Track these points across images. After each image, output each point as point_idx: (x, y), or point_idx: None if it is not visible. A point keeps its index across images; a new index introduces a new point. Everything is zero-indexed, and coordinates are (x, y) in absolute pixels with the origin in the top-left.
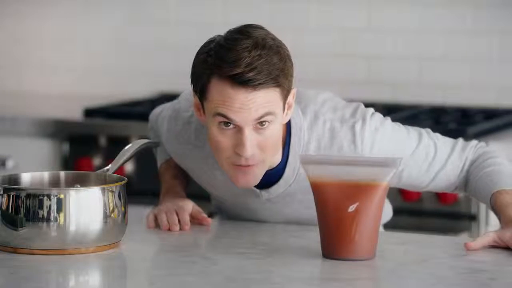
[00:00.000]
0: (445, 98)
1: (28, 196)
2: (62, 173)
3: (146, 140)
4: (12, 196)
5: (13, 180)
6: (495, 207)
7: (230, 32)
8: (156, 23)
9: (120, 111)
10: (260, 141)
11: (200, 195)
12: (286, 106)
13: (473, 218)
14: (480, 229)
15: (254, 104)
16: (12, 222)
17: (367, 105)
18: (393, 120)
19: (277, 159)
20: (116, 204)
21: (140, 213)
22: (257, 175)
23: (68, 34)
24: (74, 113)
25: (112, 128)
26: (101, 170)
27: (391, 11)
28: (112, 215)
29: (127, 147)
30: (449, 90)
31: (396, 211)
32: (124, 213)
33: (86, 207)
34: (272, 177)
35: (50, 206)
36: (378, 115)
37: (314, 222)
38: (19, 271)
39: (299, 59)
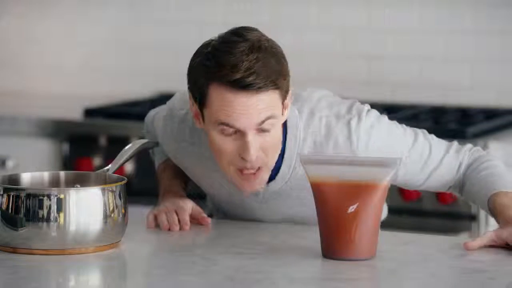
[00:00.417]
0: (445, 98)
1: (28, 196)
2: (62, 173)
3: (146, 140)
4: (12, 196)
5: (13, 180)
6: (493, 209)
7: (224, 36)
8: (156, 23)
9: (120, 111)
10: (263, 144)
11: (199, 195)
12: (284, 106)
13: (473, 218)
14: (480, 229)
15: (255, 109)
16: (12, 222)
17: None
18: (393, 120)
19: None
20: (116, 204)
21: (140, 213)
22: (263, 179)
23: (68, 34)
24: (74, 113)
25: (112, 128)
26: (101, 170)
27: (391, 11)
28: (112, 215)
29: (127, 147)
30: (449, 90)
31: (396, 211)
32: (124, 213)
33: (86, 207)
34: None
35: (50, 206)
36: (374, 112)
37: (310, 219)
38: (19, 271)
39: (299, 58)
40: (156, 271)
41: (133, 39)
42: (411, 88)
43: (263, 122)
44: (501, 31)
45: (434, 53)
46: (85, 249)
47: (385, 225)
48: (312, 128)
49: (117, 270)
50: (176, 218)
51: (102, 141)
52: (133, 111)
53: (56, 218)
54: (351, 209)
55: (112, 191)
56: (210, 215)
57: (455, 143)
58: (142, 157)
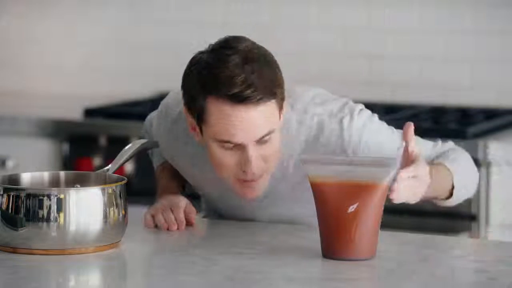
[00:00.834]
0: (445, 98)
1: (28, 196)
2: (62, 173)
3: (146, 140)
4: (12, 196)
5: (13, 180)
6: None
7: (215, 49)
8: (156, 23)
9: (120, 111)
10: (263, 154)
11: (196, 196)
12: (280, 113)
13: (473, 218)
14: (480, 229)
15: (254, 123)
16: (12, 222)
17: (367, 105)
18: (394, 120)
19: None
20: (116, 204)
21: (140, 213)
22: (263, 186)
23: (68, 34)
24: (74, 113)
25: (112, 128)
26: (101, 170)
27: (391, 11)
28: (112, 215)
29: (127, 147)
30: (449, 90)
31: (396, 211)
32: (124, 213)
33: (86, 207)
34: None
35: (50, 206)
36: (366, 112)
37: (302, 218)
38: (19, 271)
39: (299, 58)
40: (156, 271)
41: (133, 39)
42: (411, 88)
43: (262, 137)
44: (501, 31)
45: (434, 53)
46: (85, 249)
47: (385, 225)
48: (305, 126)
49: (117, 270)
50: (172, 217)
51: (102, 141)
52: (133, 111)
53: (56, 218)
54: (351, 209)
55: (112, 191)
56: (205, 217)
57: (439, 143)
58: (142, 157)
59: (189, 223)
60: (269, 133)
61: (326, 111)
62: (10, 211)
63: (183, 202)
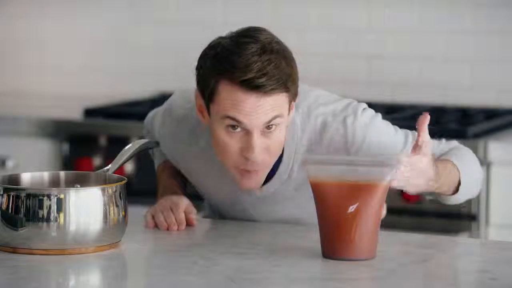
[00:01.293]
0: (445, 98)
1: (28, 196)
2: (62, 173)
3: (146, 140)
4: (12, 196)
5: (13, 180)
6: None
7: (235, 36)
8: (156, 23)
9: (120, 111)
10: (268, 145)
11: (198, 196)
12: (290, 108)
13: (473, 218)
14: (480, 229)
15: (263, 109)
16: (12, 222)
17: (368, 105)
18: (394, 120)
19: None
20: (116, 204)
21: (140, 213)
22: (262, 178)
23: (68, 34)
24: (74, 113)
25: (112, 128)
26: (101, 170)
27: (391, 11)
28: (112, 215)
29: (127, 147)
30: (449, 90)
31: (396, 211)
32: (124, 213)
33: (86, 207)
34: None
35: (50, 206)
36: (370, 111)
37: (304, 221)
38: (19, 271)
39: (300, 59)
40: (156, 271)
41: (133, 39)
42: (411, 88)
43: (270, 121)
44: (501, 31)
45: (434, 53)
46: (85, 249)
47: (385, 225)
48: (309, 127)
49: (117, 270)
50: (173, 217)
51: (102, 141)
52: (133, 111)
53: (56, 218)
54: (351, 209)
55: (112, 191)
56: (205, 217)
57: (443, 141)
58: (142, 157)
59: (189, 223)
60: (275, 118)
61: (330, 111)
62: (10, 211)
63: (183, 202)
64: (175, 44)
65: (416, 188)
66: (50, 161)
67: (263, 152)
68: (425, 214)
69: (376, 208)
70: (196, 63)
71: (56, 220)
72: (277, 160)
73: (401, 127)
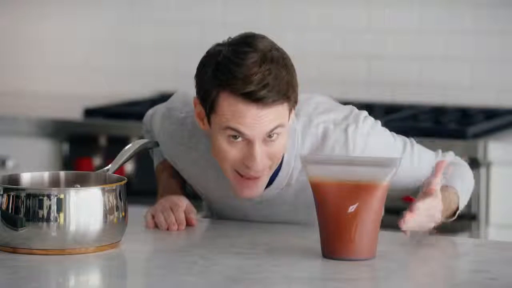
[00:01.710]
0: (445, 98)
1: (28, 196)
2: (62, 173)
3: (146, 140)
4: (12, 196)
5: (13, 180)
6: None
7: (234, 44)
8: (156, 23)
9: (120, 111)
10: (269, 152)
11: (197, 195)
12: (290, 115)
13: (473, 218)
14: (480, 229)
15: (265, 120)
16: (12, 222)
17: (367, 105)
18: (394, 120)
19: None
20: (116, 204)
21: (140, 213)
22: (262, 186)
23: (68, 34)
24: (74, 113)
25: (112, 128)
26: (101, 170)
27: (391, 11)
28: (112, 215)
29: (127, 147)
30: (449, 90)
31: (396, 211)
32: (124, 213)
33: (86, 207)
34: None
35: (50, 206)
36: (370, 119)
37: (302, 223)
38: (19, 271)
39: (299, 59)
40: (156, 271)
41: (133, 39)
42: (411, 88)
43: (271, 131)
44: (501, 31)
45: (434, 53)
46: (85, 249)
47: (385, 225)
48: (310, 135)
49: (117, 270)
50: (173, 217)
51: (102, 141)
52: (133, 111)
53: (56, 218)
54: (351, 209)
55: (112, 191)
56: (205, 217)
57: (440, 152)
58: (142, 157)
59: (189, 223)
60: (277, 128)
61: (331, 119)
62: (10, 211)
63: (183, 202)
64: (175, 44)
65: (424, 229)
66: (50, 161)
67: (264, 160)
68: None
69: (376, 208)
70: (195, 69)
71: (56, 220)
72: (277, 166)
73: (401, 127)
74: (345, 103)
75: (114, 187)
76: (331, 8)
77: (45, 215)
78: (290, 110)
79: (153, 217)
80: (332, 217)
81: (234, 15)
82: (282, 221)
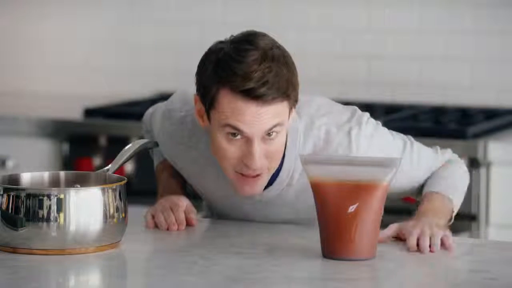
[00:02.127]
0: (445, 98)
1: (28, 196)
2: (62, 173)
3: (146, 140)
4: (12, 196)
5: (13, 180)
6: (420, 205)
7: (236, 41)
8: (156, 23)
9: (120, 111)
10: (268, 151)
11: (197, 195)
12: (290, 113)
13: (473, 218)
14: (480, 229)
15: (264, 118)
16: (12, 222)
17: (367, 105)
18: (394, 120)
19: None
20: (116, 204)
21: (140, 213)
22: (263, 184)
23: (68, 34)
24: (74, 113)
25: (112, 128)
26: (101, 170)
27: (391, 11)
28: (112, 215)
29: (127, 147)
30: (449, 90)
31: (396, 211)
32: (124, 213)
33: (86, 207)
34: None
35: (50, 206)
36: (372, 121)
37: (302, 222)
38: (19, 271)
39: (299, 59)
40: (156, 271)
41: (133, 39)
42: (411, 88)
43: (270, 129)
44: (501, 31)
45: (434, 53)
46: (85, 249)
47: (385, 225)
48: (312, 136)
49: (117, 270)
50: (173, 217)
51: (102, 141)
52: (133, 111)
53: (56, 218)
54: (351, 209)
55: (112, 191)
56: (205, 217)
57: (438, 150)
58: (142, 157)
59: (189, 223)
60: (276, 126)
61: (333, 122)
62: (10, 211)
63: (183, 202)
64: (175, 44)
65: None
66: (50, 161)
67: (263, 158)
68: None
69: (376, 208)
70: (196, 68)
71: (56, 220)
72: (278, 166)
73: (401, 127)
74: (345, 103)
75: (114, 187)
76: (331, 8)
77: (45, 215)
78: (290, 109)
79: (153, 217)
80: (332, 217)
81: (234, 15)
82: (282, 221)
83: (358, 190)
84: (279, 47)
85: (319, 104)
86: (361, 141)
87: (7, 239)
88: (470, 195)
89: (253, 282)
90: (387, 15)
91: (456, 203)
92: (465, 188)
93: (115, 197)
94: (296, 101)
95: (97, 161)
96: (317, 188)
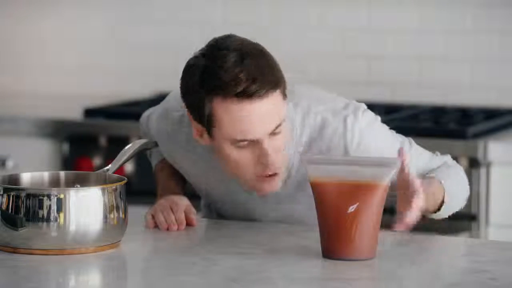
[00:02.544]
0: (445, 98)
1: (28, 196)
2: (62, 173)
3: (146, 140)
4: (12, 196)
5: (13, 180)
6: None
7: (209, 53)
8: (156, 23)
9: (120, 111)
10: (277, 145)
11: (196, 195)
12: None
13: (473, 218)
14: (480, 229)
15: (264, 116)
16: (12, 222)
17: (367, 105)
18: (394, 120)
19: None
20: (116, 204)
21: (140, 213)
22: (281, 177)
23: (68, 34)
24: (74, 113)
25: (112, 128)
26: (101, 170)
27: (391, 11)
28: (112, 215)
29: (127, 147)
30: (449, 90)
31: (396, 211)
32: (124, 213)
33: (86, 207)
34: None
35: (50, 206)
36: (370, 113)
37: (305, 218)
38: (19, 271)
39: (299, 58)
40: (156, 271)
41: (133, 39)
42: (411, 88)
43: (275, 128)
44: (501, 31)
45: (434, 53)
46: (85, 249)
47: (385, 225)
48: (308, 124)
49: (117, 270)
50: (173, 217)
51: (102, 141)
52: (133, 111)
53: (56, 218)
54: (351, 209)
55: (112, 191)
56: (205, 217)
57: (438, 154)
58: (142, 157)
59: (189, 223)
60: (280, 124)
61: (330, 109)
62: (10, 211)
63: (183, 202)
64: (175, 44)
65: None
66: (50, 161)
67: (276, 153)
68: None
69: (376, 208)
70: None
71: (56, 220)
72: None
73: (401, 127)
74: None
75: (114, 187)
76: (331, 8)
77: (45, 215)
78: (284, 95)
79: (153, 217)
80: (332, 217)
81: (234, 15)
82: (284, 215)
83: (358, 190)
84: (250, 42)
85: (316, 94)
86: (355, 130)
87: (7, 239)
88: (470, 195)
89: (253, 282)
90: (387, 15)
91: (447, 193)
92: (464, 195)
93: (115, 197)
94: (285, 87)
95: (97, 161)
96: (317, 188)
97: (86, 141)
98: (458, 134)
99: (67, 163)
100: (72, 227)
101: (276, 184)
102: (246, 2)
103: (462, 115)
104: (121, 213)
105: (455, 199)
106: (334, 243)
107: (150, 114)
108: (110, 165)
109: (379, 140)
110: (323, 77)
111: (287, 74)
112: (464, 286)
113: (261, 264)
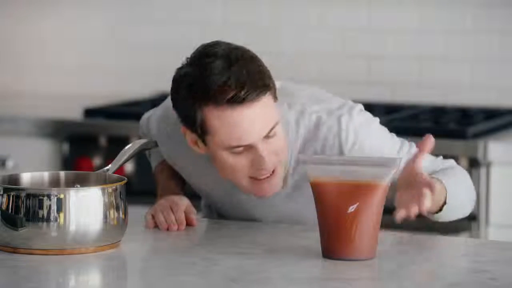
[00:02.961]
0: (445, 98)
1: (28, 196)
2: (62, 173)
3: (146, 140)
4: (12, 196)
5: (13, 180)
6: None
7: (197, 60)
8: (156, 23)
9: (120, 111)
10: (273, 148)
11: (196, 195)
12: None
13: (473, 218)
14: (480, 229)
15: (257, 121)
16: (12, 222)
17: (367, 105)
18: (394, 120)
19: None
20: (116, 204)
21: (140, 213)
22: (280, 177)
23: (68, 34)
24: (74, 113)
25: (112, 128)
26: (101, 170)
27: (391, 11)
28: (112, 215)
29: (127, 147)
30: (449, 90)
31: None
32: (124, 213)
33: (86, 207)
34: None
35: (50, 206)
36: (367, 114)
37: (303, 218)
38: (19, 271)
39: (299, 59)
40: (156, 271)
41: (133, 39)
42: (411, 88)
43: (269, 132)
44: (501, 31)
45: (434, 53)
46: (85, 249)
47: (385, 225)
48: (303, 125)
49: (117, 270)
50: (173, 217)
51: (102, 141)
52: (133, 111)
53: (56, 218)
54: (351, 209)
55: (112, 191)
56: (205, 217)
57: (440, 158)
58: (142, 157)
59: (189, 223)
60: (274, 127)
61: (324, 109)
62: (10, 211)
63: (183, 202)
64: (175, 44)
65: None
66: (50, 161)
67: (272, 156)
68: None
69: (376, 208)
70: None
71: (56, 220)
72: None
73: (401, 127)
74: None
75: (114, 187)
76: (331, 8)
77: (45, 215)
78: (275, 97)
79: (153, 217)
80: (332, 217)
81: (234, 15)
82: (283, 216)
83: (358, 190)
84: (236, 47)
85: (311, 93)
86: (350, 129)
87: (7, 239)
88: None
89: (253, 282)
90: (387, 15)
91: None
92: (468, 195)
93: (115, 197)
94: (275, 89)
95: (97, 161)
96: (317, 188)
97: (86, 141)
98: (458, 134)
99: (67, 163)
100: (72, 227)
101: (276, 184)
102: (246, 2)
103: (462, 115)
104: (121, 213)
105: (458, 201)
106: (334, 243)
107: (150, 116)
108: (110, 165)
109: (375, 140)
110: (323, 77)
111: (287, 74)
112: (464, 286)
113: (261, 264)
